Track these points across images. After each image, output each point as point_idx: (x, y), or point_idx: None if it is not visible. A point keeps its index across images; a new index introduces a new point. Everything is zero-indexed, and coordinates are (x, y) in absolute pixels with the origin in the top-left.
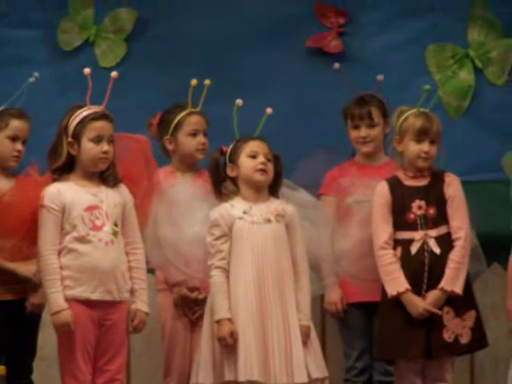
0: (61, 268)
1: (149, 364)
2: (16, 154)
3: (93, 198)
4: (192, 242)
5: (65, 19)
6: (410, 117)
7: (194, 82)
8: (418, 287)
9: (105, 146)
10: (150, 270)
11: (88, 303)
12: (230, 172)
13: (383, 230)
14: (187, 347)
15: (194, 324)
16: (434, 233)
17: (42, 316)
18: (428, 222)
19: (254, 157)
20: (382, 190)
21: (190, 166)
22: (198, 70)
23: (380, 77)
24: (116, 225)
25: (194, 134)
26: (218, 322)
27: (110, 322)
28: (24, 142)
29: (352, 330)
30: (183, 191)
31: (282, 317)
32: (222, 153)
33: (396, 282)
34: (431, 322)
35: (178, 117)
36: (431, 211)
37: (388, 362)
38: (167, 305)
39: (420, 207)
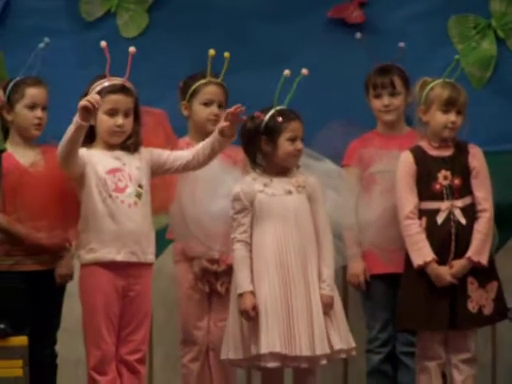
0: (84, 231)
1: (171, 334)
2: (37, 121)
3: (115, 161)
4: (216, 217)
5: None
6: (437, 87)
7: (211, 52)
8: (444, 257)
9: (119, 120)
10: (170, 241)
11: (113, 267)
12: (265, 146)
13: (408, 200)
14: (205, 318)
15: (212, 296)
16: (459, 203)
17: (66, 286)
18: (454, 193)
19: (293, 140)
20: (407, 159)
21: (204, 136)
22: (220, 41)
23: (401, 44)
24: (140, 186)
25: (207, 104)
26: (241, 295)
27: (133, 293)
28: (44, 109)
29: (374, 301)
30: (204, 168)
31: (305, 288)
32: (255, 119)
33: (423, 252)
34: (455, 293)
35: (196, 84)
36: (456, 181)
37: (410, 332)
38: (184, 276)
39: (446, 177)
